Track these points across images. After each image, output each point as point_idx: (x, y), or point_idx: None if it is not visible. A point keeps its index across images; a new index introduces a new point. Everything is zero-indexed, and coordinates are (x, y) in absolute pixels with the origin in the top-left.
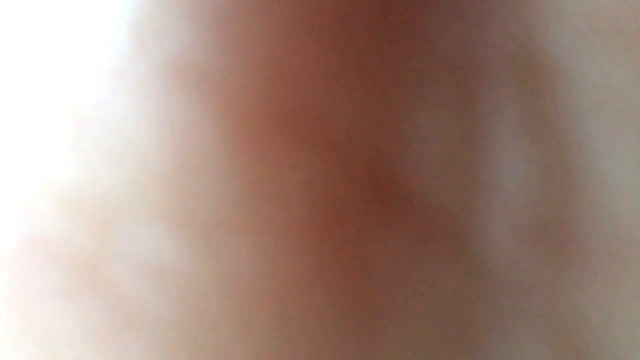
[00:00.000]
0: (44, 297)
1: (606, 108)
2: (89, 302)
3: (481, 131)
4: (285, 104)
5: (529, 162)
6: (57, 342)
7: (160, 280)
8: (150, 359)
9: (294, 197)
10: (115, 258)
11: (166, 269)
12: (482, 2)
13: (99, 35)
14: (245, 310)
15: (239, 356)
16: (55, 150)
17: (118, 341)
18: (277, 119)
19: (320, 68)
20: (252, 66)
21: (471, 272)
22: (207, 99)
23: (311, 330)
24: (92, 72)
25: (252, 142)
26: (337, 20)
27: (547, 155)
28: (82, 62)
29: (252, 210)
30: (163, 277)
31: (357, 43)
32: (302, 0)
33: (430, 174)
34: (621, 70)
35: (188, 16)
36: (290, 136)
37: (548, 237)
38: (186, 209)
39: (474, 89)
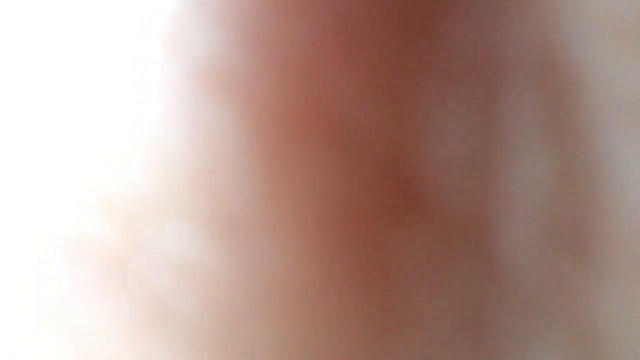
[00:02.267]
0: (75, 294)
1: (626, 109)
2: (118, 298)
3: (500, 133)
4: (309, 107)
5: (547, 164)
6: (87, 338)
7: (188, 278)
8: (177, 354)
9: (316, 197)
10: (144, 256)
11: (193, 267)
12: (503, 4)
13: (130, 42)
14: (268, 308)
15: (262, 353)
16: (87, 151)
17: (147, 336)
18: (300, 122)
19: (343, 71)
20: (277, 71)
21: (489, 275)
22: (233, 103)
23: (330, 330)
24: (124, 77)
25: (277, 144)
26: (357, 23)
27: (566, 157)
28: (115, 68)
29: (276, 210)
30: (190, 275)
31: (378, 46)
32: (324, 6)
33: (448, 175)
34: None
35: (216, 23)
36: (314, 138)
37: (567, 240)
38: (213, 208)
39: (492, 90)
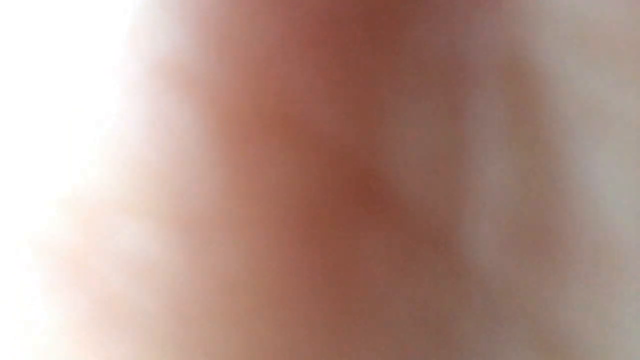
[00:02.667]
0: (30, 293)
1: (591, 115)
2: (75, 297)
3: (467, 136)
4: (272, 105)
5: (514, 167)
6: (43, 337)
7: (147, 276)
8: (136, 353)
9: (279, 195)
10: (102, 254)
11: (153, 265)
12: (470, 10)
13: (91, 36)
14: (230, 305)
15: (223, 351)
16: (44, 147)
17: (104, 336)
18: (263, 120)
19: (308, 71)
20: (240, 68)
21: (455, 274)
22: (195, 100)
23: (295, 327)
24: (84, 71)
25: (239, 142)
26: (325, 24)
27: (533, 161)
28: (75, 63)
29: (237, 208)
30: (149, 273)
31: (346, 47)
32: (290, 5)
33: (416, 177)
34: (606, 78)
35: (178, 19)
36: (277, 136)
37: (532, 241)
38: (173, 206)
39: (461, 94)
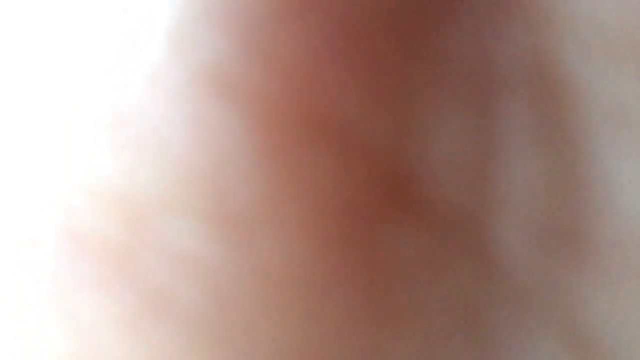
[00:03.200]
0: (79, 287)
1: (614, 117)
2: (121, 291)
3: (496, 138)
4: (309, 110)
5: (541, 168)
6: (91, 329)
7: (190, 271)
8: (179, 345)
9: (317, 194)
10: (147, 250)
11: (195, 261)
12: (498, 15)
13: (139, 43)
14: (269, 299)
15: (263, 342)
16: (94, 148)
17: (149, 328)
18: (301, 123)
19: (343, 77)
20: (279, 75)
21: (483, 273)
22: (236, 104)
23: (327, 323)
24: (131, 76)
25: (278, 144)
26: (359, 31)
27: (559, 162)
28: (122, 67)
29: (277, 207)
30: (192, 268)
31: (379, 54)
32: (325, 14)
33: (447, 177)
34: (629, 81)
35: (220, 28)
36: (314, 139)
37: (560, 240)
38: (216, 204)
39: (489, 97)
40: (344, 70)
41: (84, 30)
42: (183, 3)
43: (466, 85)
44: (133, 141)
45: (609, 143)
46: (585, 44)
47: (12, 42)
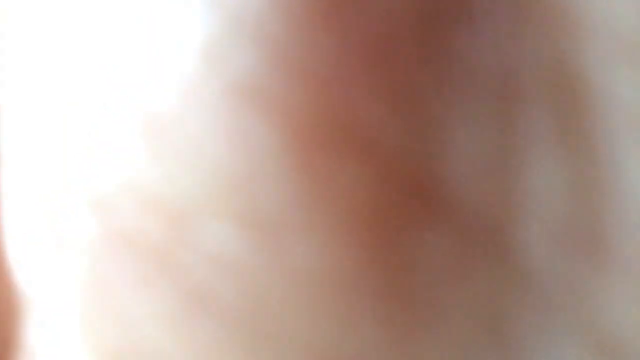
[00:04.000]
0: (122, 285)
1: (632, 121)
2: (163, 289)
3: (516, 144)
4: (338, 119)
5: (561, 172)
6: (133, 326)
7: (228, 271)
8: (218, 340)
9: (347, 200)
10: (186, 250)
11: (233, 261)
12: (517, 22)
13: (174, 57)
14: (302, 299)
15: (296, 339)
16: (137, 155)
17: (190, 324)
18: (330, 132)
19: (369, 87)
20: (308, 87)
21: (508, 274)
22: (268, 114)
23: (357, 324)
24: (170, 88)
25: (309, 152)
26: (384, 44)
27: (580, 167)
28: (162, 79)
29: (309, 211)
30: (230, 268)
31: (402, 65)
32: (353, 28)
33: (470, 182)
34: None
35: (252, 41)
36: (342, 147)
37: (582, 243)
38: (250, 209)
39: (509, 104)
40: (371, 81)
41: (126, 44)
42: (217, 18)
43: (487, 92)
44: (173, 149)
45: (630, 148)
46: (604, 50)
47: (65, 54)
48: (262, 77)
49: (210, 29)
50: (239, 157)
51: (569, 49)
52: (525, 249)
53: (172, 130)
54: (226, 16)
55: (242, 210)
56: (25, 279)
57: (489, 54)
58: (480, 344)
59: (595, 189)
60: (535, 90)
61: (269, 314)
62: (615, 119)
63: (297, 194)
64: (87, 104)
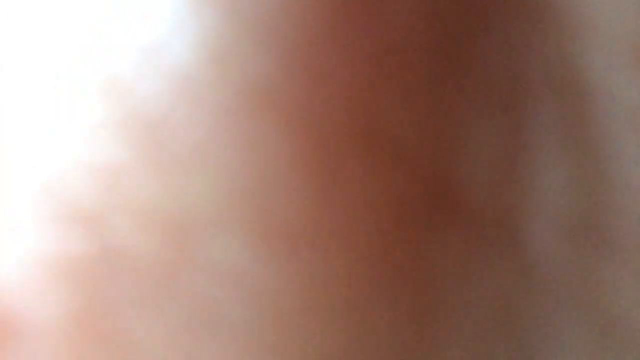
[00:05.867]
0: (123, 305)
1: (638, 122)
2: (168, 307)
3: (527, 145)
4: (352, 124)
5: (569, 171)
6: (134, 348)
7: (235, 287)
8: None
9: (360, 209)
10: (193, 266)
11: (243, 275)
12: (527, 25)
13: (182, 62)
14: (317, 312)
15: (310, 356)
16: (136, 166)
17: (196, 346)
18: (344, 138)
19: (384, 91)
20: (321, 90)
21: (520, 272)
22: (280, 121)
23: (375, 336)
24: (175, 94)
25: (322, 159)
26: (400, 48)
27: (586, 165)
28: (166, 85)
29: (323, 221)
30: (238, 284)
31: (418, 71)
32: (367, 31)
33: (482, 183)
34: None
35: (263, 45)
36: (357, 153)
37: (590, 238)
38: (261, 220)
39: (520, 108)
40: (388, 87)
41: (128, 51)
42: (226, 22)
43: (497, 95)
44: (177, 158)
45: (633, 147)
46: (610, 52)
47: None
48: (276, 82)
49: (219, 32)
50: (250, 167)
51: (576, 52)
52: (535, 246)
53: (178, 140)
54: (238, 20)
55: (253, 223)
56: (14, 303)
57: (503, 61)
58: (494, 342)
59: (601, 185)
60: (545, 94)
61: (284, 331)
62: (621, 120)
63: (312, 203)
64: (89, 114)
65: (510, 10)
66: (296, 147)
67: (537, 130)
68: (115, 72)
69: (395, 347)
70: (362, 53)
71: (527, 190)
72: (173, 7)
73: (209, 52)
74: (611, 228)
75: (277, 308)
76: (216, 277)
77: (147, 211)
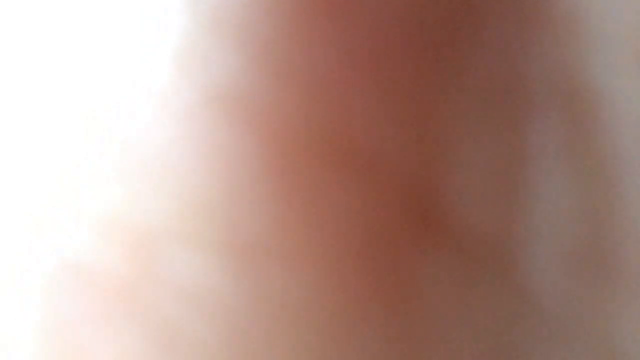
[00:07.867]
0: (81, 322)
1: None
2: (128, 325)
3: (524, 157)
4: (327, 132)
5: (569, 188)
6: None
7: (199, 305)
8: None
9: (334, 223)
10: (155, 283)
11: (205, 294)
12: (525, 31)
13: (143, 63)
14: (285, 333)
15: None
16: (96, 175)
17: None
18: (318, 147)
19: (362, 96)
20: (294, 96)
21: (514, 297)
22: (249, 127)
23: (351, 355)
24: (136, 98)
25: (293, 169)
26: (378, 49)
27: (587, 181)
28: (126, 89)
29: (292, 237)
30: (201, 302)
31: (401, 72)
32: (342, 31)
33: (473, 198)
34: None
35: (232, 46)
36: (332, 163)
37: (591, 264)
38: (227, 235)
39: (516, 115)
40: (365, 92)
41: (89, 52)
42: (191, 20)
43: (492, 101)
44: (139, 167)
45: (639, 158)
46: (612, 57)
47: (17, 67)
48: (244, 84)
49: (184, 30)
50: (216, 176)
51: (576, 56)
52: (530, 269)
53: (139, 147)
54: (203, 14)
55: (219, 237)
56: None
57: (498, 64)
58: None
59: (605, 204)
60: (545, 103)
61: (247, 352)
62: (625, 130)
63: (282, 216)
64: (46, 119)
65: (506, 12)
66: (264, 156)
67: (535, 140)
68: (76, 77)
69: None
70: (341, 52)
71: (524, 211)
72: (137, 5)
73: (171, 53)
74: (619, 256)
75: (243, 329)
76: (178, 295)
77: (108, 222)
